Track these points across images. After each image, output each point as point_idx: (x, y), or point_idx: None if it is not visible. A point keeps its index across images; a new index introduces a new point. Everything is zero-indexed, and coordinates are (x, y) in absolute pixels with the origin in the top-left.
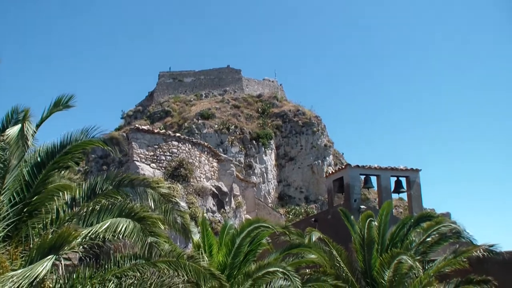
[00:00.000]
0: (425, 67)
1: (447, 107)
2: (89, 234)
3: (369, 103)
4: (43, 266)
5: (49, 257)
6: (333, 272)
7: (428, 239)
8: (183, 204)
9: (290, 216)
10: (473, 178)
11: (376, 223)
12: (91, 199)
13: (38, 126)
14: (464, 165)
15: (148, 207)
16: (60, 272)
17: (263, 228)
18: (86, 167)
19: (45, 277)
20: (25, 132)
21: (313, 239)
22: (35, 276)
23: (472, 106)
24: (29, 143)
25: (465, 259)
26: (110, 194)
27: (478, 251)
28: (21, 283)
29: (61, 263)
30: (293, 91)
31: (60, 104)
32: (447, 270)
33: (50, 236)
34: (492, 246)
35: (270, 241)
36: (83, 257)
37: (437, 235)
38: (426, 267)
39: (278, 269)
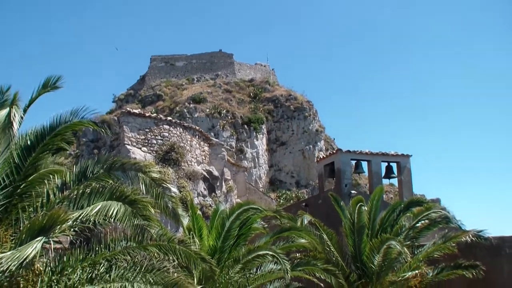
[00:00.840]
0: (415, 54)
1: (441, 96)
2: (80, 217)
3: (361, 88)
4: (33, 248)
5: (38, 238)
6: (323, 256)
7: (418, 224)
8: (174, 190)
9: (281, 201)
10: (463, 164)
11: (366, 208)
12: (82, 182)
13: (26, 108)
14: (454, 152)
15: (139, 191)
16: (51, 255)
17: (253, 211)
18: (77, 150)
19: (35, 259)
20: (12, 118)
21: (305, 222)
22: (24, 257)
23: (466, 96)
24: (15, 129)
25: (454, 244)
26: (101, 178)
27: (467, 237)
28: (10, 265)
29: (51, 246)
30: (285, 76)
31: (48, 86)
32: (436, 255)
33: (40, 218)
34: (480, 231)
35: (266, 225)
36: (74, 241)
37: (427, 220)
38: (416, 252)
39: (268, 252)
